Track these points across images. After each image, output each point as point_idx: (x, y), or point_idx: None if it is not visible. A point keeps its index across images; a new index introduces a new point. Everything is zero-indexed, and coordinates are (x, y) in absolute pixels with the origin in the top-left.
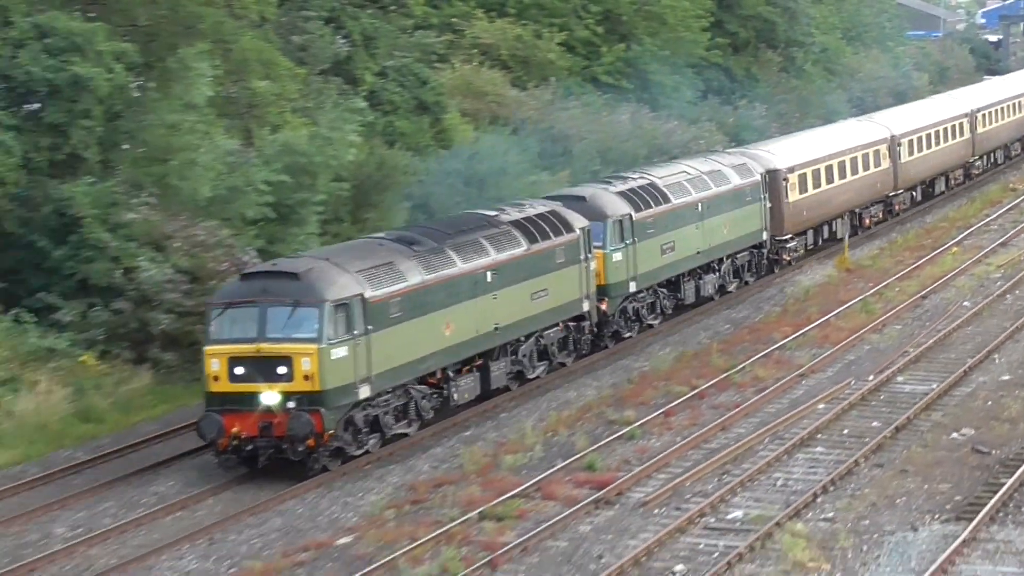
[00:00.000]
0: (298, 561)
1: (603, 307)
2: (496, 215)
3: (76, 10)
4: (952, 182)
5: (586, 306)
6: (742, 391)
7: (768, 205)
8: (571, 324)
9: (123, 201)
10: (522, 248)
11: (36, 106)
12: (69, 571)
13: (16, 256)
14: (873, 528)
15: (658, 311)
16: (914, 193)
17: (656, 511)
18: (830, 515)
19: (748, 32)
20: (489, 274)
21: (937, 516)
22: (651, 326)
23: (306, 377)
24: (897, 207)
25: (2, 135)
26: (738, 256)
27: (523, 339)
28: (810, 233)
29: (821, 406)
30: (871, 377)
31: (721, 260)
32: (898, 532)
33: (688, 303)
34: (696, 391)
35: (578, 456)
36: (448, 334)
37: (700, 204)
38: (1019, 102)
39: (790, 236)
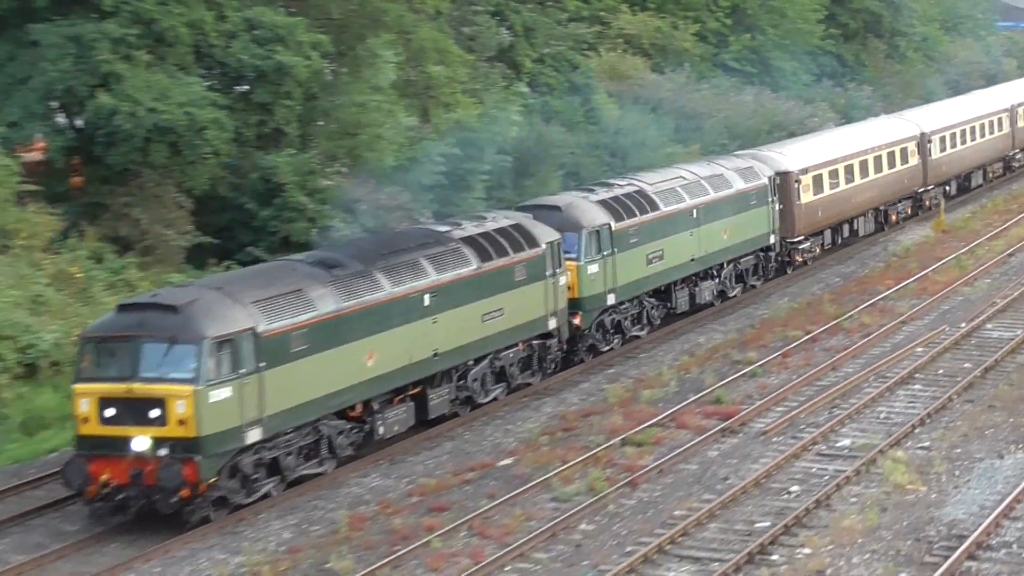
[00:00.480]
0: (466, 479)
1: (576, 321)
2: (448, 231)
3: (280, 6)
4: (991, 175)
5: (553, 323)
6: (850, 336)
7: (779, 207)
8: (535, 343)
9: (319, 170)
10: (471, 267)
11: (245, 88)
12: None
13: (228, 216)
14: (964, 456)
15: (645, 321)
16: (948, 187)
17: (775, 439)
18: (926, 444)
19: (857, 23)
20: (427, 297)
21: (1021, 446)
22: (637, 337)
23: (181, 422)
24: (928, 202)
25: (217, 113)
26: (742, 260)
27: (472, 363)
28: (827, 233)
29: (919, 349)
30: (963, 324)
31: (721, 266)
32: (986, 459)
33: (681, 312)
34: (810, 335)
35: (707, 391)
36: (371, 364)
37: (695, 210)
38: None
39: (803, 237)
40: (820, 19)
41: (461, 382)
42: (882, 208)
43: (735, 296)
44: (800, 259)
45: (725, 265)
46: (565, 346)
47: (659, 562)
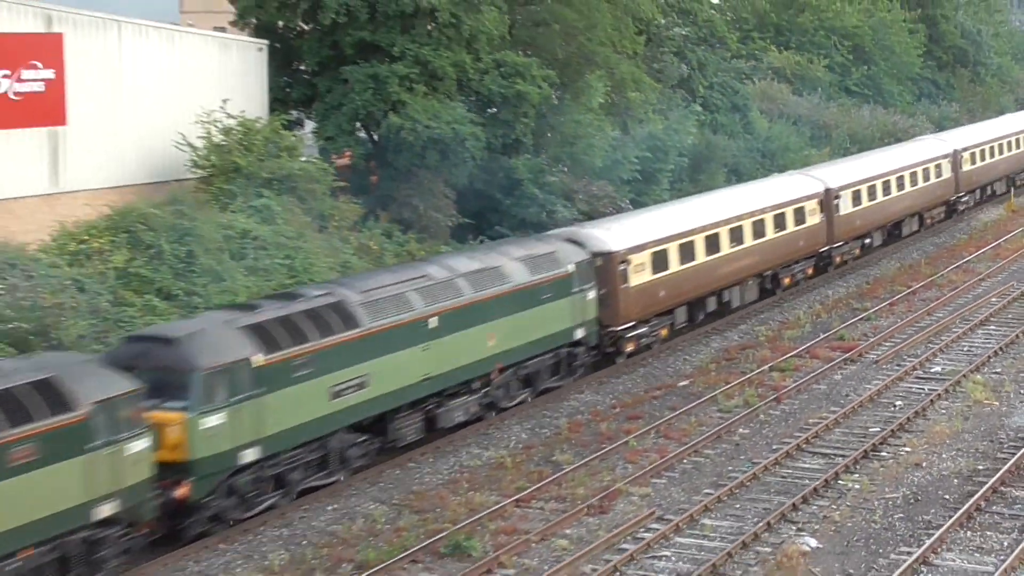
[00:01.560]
0: (654, 396)
1: (182, 492)
2: None
3: (519, 50)
4: (929, 221)
5: (108, 510)
6: (941, 289)
7: (597, 294)
8: (75, 538)
9: (547, 169)
10: None
11: (494, 110)
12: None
13: (481, 203)
14: None
15: (335, 465)
16: (868, 240)
17: (884, 366)
18: (999, 370)
19: (948, 56)
20: None
21: None
22: (321, 487)
23: None
24: (838, 259)
25: (474, 128)
26: (528, 363)
27: None
28: (681, 311)
29: (994, 299)
30: None
31: (487, 376)
32: None
33: (407, 443)
34: (911, 289)
35: (833, 331)
36: None
37: (435, 319)
38: (1010, 140)
39: (635, 323)
40: (919, 54)
41: None
42: (770, 273)
43: (521, 402)
44: (632, 347)
45: (497, 373)
46: (144, 529)
47: (797, 457)
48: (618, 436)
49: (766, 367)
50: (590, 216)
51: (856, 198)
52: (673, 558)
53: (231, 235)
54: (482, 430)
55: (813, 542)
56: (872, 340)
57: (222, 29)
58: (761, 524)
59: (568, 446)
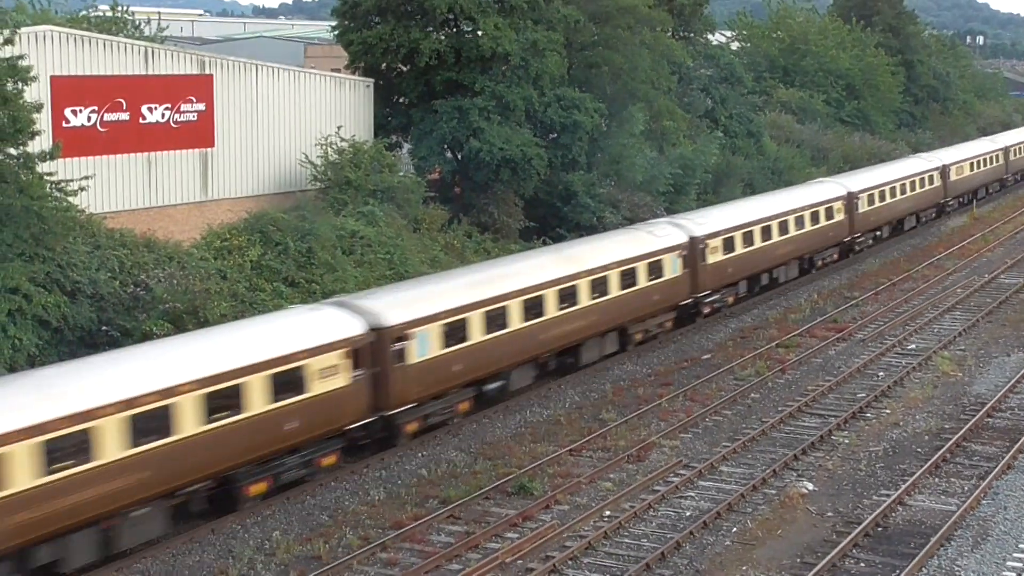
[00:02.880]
0: (682, 366)
1: None
2: None
3: (575, 87)
4: (663, 326)
5: None
6: (916, 282)
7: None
8: None
9: (597, 182)
10: None
11: (555, 135)
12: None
13: (544, 210)
14: (986, 354)
15: None
16: (546, 363)
17: (870, 344)
18: (963, 347)
19: (923, 93)
20: None
21: (1021, 348)
22: None
23: None
24: (459, 409)
25: (538, 150)
26: None
27: None
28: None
29: (959, 290)
30: (987, 275)
31: None
32: (1000, 356)
33: None
34: (892, 281)
35: (828, 315)
36: None
37: None
38: (801, 216)
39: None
40: (900, 91)
41: None
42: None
43: None
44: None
45: None
46: None
47: (798, 417)
48: (653, 399)
49: (773, 344)
50: (631, 220)
51: (560, 299)
52: (697, 498)
53: (343, 235)
54: (543, 392)
55: (810, 486)
56: (860, 323)
57: (337, 70)
58: (768, 471)
59: (612, 407)
